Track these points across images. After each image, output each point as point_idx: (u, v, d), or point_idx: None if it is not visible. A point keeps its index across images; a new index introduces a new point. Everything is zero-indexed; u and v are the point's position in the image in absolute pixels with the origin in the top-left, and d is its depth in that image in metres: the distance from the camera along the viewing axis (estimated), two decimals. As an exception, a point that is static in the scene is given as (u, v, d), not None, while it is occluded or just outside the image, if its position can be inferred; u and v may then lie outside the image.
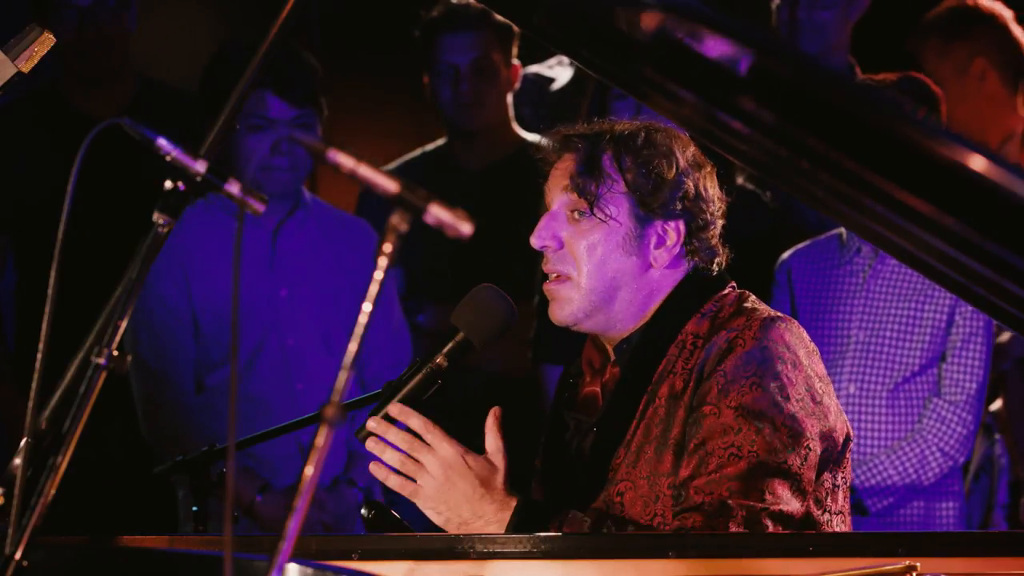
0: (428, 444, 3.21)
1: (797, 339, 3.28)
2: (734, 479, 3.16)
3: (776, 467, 3.17)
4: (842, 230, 5.20)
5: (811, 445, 3.21)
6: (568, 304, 3.36)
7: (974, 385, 5.04)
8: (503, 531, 3.19)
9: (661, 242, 3.35)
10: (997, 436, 5.62)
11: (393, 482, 3.22)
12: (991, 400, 5.65)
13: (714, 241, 3.38)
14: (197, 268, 5.21)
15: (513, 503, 3.21)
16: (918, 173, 2.62)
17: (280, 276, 5.24)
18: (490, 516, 3.21)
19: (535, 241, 3.37)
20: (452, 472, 3.19)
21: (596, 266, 3.33)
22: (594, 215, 3.32)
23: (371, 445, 3.23)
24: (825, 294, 5.15)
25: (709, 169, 3.38)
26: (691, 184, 3.34)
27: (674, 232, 3.35)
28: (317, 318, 5.26)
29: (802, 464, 3.19)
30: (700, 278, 3.38)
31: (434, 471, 3.19)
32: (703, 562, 2.98)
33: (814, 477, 3.23)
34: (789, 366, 3.23)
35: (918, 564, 2.89)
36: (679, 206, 3.33)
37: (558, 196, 3.37)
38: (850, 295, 5.13)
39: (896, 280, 5.10)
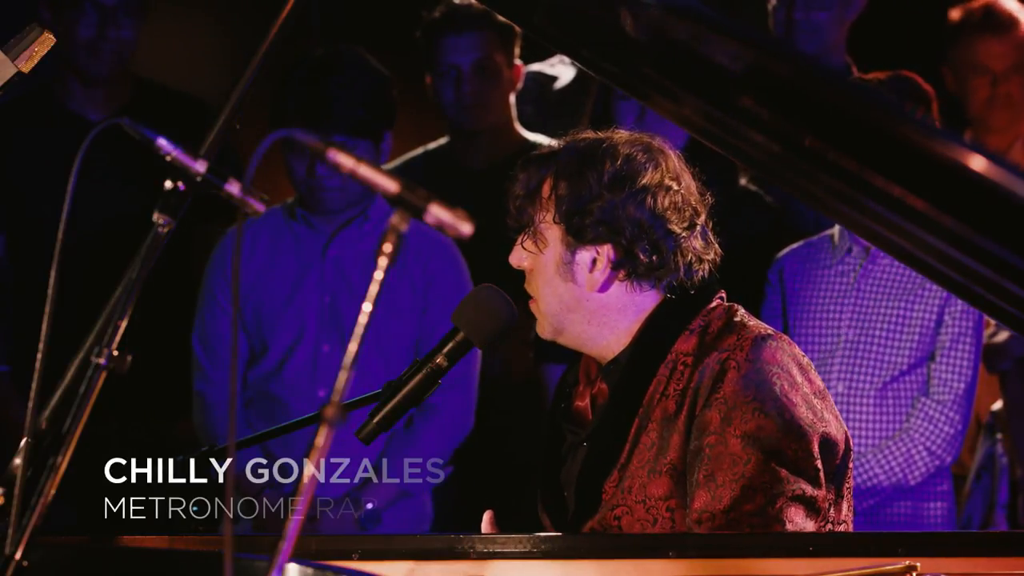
0: None
1: (789, 356, 3.25)
2: (754, 515, 3.15)
3: (791, 494, 3.16)
4: (834, 230, 5.22)
5: (818, 464, 3.20)
6: (539, 324, 3.39)
7: (962, 385, 5.05)
8: None
9: (592, 267, 3.31)
10: (998, 436, 5.62)
11: None
12: (993, 400, 5.67)
13: (666, 257, 3.28)
14: (252, 271, 5.22)
15: None
16: (918, 173, 2.63)
17: (327, 283, 5.25)
18: None
19: (511, 260, 3.38)
20: None
21: (543, 291, 3.34)
22: (524, 246, 3.33)
23: None
24: (816, 294, 5.16)
25: (647, 181, 3.26)
26: (613, 207, 3.26)
27: (603, 257, 3.30)
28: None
29: (814, 486, 3.18)
30: (684, 292, 3.32)
31: None
32: (703, 562, 2.98)
33: (826, 492, 3.22)
34: (786, 385, 3.21)
35: (918, 564, 2.89)
36: (601, 230, 3.27)
37: None
38: (840, 294, 5.14)
39: (886, 280, 5.11)
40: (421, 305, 5.28)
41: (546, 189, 3.32)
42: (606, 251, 3.29)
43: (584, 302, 3.32)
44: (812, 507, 3.18)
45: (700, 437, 3.20)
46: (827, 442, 3.23)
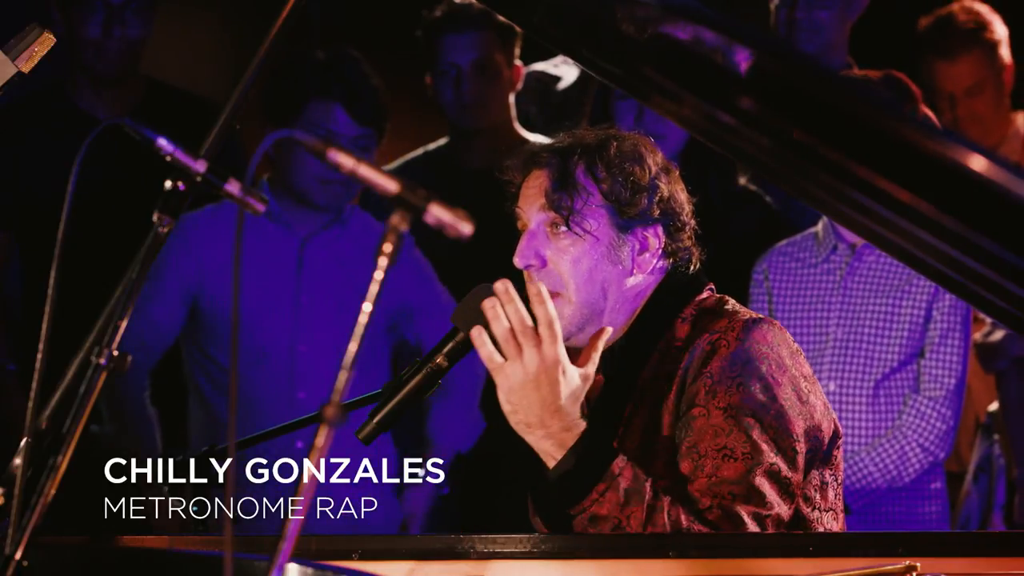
0: (538, 336, 3.13)
1: (780, 339, 3.29)
2: (733, 483, 3.16)
3: (767, 468, 3.18)
4: (817, 228, 5.22)
5: (797, 447, 3.23)
6: (560, 320, 3.33)
7: (953, 380, 5.06)
8: (560, 451, 3.14)
9: (644, 248, 3.35)
10: (995, 437, 5.62)
11: (484, 352, 3.16)
12: (990, 400, 5.67)
13: (689, 242, 3.39)
14: (215, 263, 5.20)
15: (580, 429, 3.16)
16: (918, 172, 2.63)
17: (305, 284, 5.25)
18: (554, 430, 3.15)
19: (518, 261, 3.35)
20: (543, 375, 3.13)
21: (584, 279, 3.33)
22: (571, 230, 3.32)
23: (487, 306, 3.15)
24: (803, 292, 5.17)
25: (676, 173, 3.39)
26: (664, 188, 3.34)
27: (654, 237, 3.35)
28: (334, 329, 5.24)
29: (789, 467, 3.21)
30: (678, 281, 3.38)
31: (528, 365, 3.13)
32: (703, 562, 2.99)
33: (802, 478, 3.23)
34: (773, 366, 3.25)
35: (918, 564, 2.90)
36: (656, 211, 3.33)
37: (535, 214, 3.36)
38: (828, 293, 5.15)
39: (873, 277, 5.12)
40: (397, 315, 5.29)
41: (582, 175, 3.33)
42: (656, 231, 3.35)
43: (622, 285, 3.34)
44: (785, 489, 3.20)
45: (687, 411, 3.24)
46: (812, 427, 3.27)
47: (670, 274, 3.38)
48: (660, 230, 3.35)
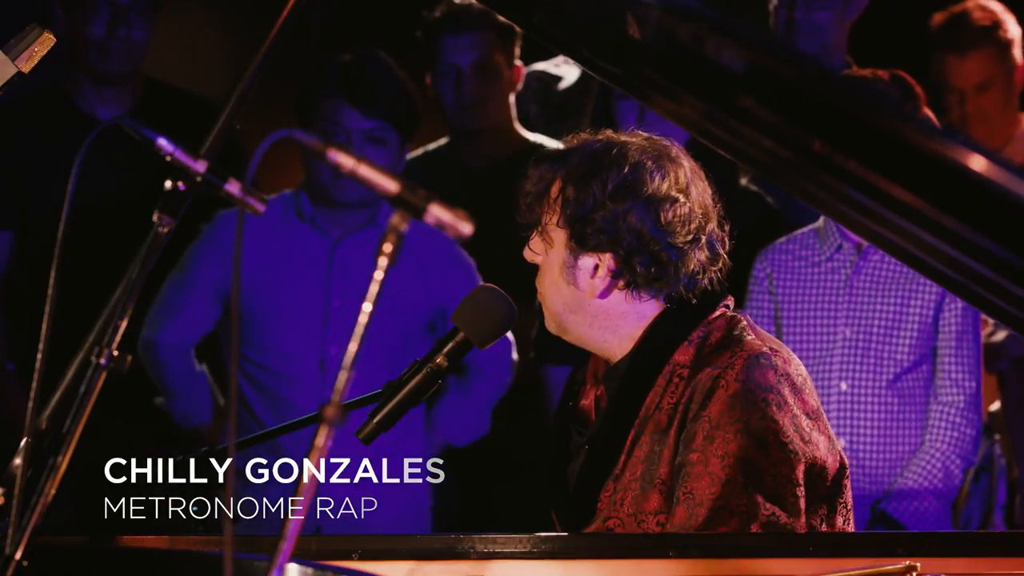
0: None
1: (782, 376, 3.22)
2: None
3: (764, 520, 3.14)
4: (819, 224, 5.21)
5: (798, 491, 3.18)
6: (546, 319, 3.38)
7: (973, 383, 5.07)
8: None
9: (594, 273, 3.29)
10: (996, 437, 5.63)
11: None
12: (991, 400, 5.67)
13: (666, 269, 3.25)
14: (248, 263, 5.20)
15: None
16: (918, 173, 2.63)
17: (336, 287, 5.25)
18: None
19: (526, 255, 3.37)
20: None
21: (548, 290, 3.33)
22: (530, 246, 3.33)
23: None
24: (808, 291, 5.16)
25: (652, 192, 3.24)
26: (615, 217, 3.24)
27: (604, 265, 3.28)
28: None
29: (790, 515, 3.16)
30: (687, 302, 3.30)
31: None
32: (703, 562, 2.98)
33: (805, 520, 3.20)
34: (773, 407, 3.18)
35: (918, 564, 2.90)
36: (602, 239, 3.25)
37: None
38: (834, 292, 5.14)
39: (880, 275, 5.12)
40: (431, 292, 5.30)
41: (554, 191, 3.30)
42: (607, 260, 3.28)
43: (585, 306, 3.31)
44: None
45: (684, 453, 3.19)
46: (814, 466, 3.21)
47: (677, 298, 3.29)
48: (609, 259, 3.26)
